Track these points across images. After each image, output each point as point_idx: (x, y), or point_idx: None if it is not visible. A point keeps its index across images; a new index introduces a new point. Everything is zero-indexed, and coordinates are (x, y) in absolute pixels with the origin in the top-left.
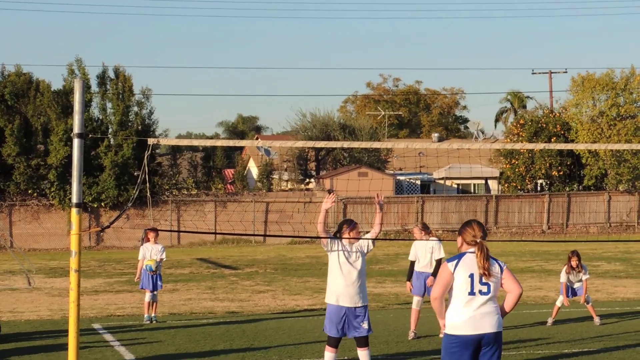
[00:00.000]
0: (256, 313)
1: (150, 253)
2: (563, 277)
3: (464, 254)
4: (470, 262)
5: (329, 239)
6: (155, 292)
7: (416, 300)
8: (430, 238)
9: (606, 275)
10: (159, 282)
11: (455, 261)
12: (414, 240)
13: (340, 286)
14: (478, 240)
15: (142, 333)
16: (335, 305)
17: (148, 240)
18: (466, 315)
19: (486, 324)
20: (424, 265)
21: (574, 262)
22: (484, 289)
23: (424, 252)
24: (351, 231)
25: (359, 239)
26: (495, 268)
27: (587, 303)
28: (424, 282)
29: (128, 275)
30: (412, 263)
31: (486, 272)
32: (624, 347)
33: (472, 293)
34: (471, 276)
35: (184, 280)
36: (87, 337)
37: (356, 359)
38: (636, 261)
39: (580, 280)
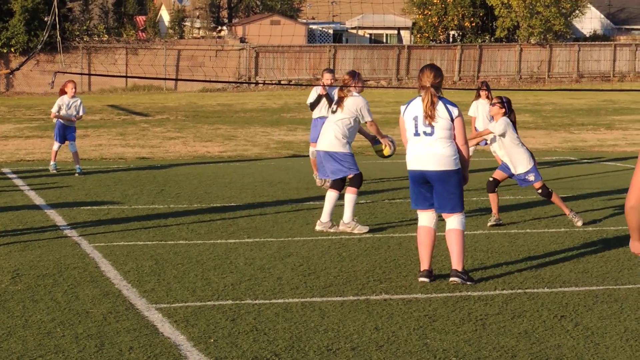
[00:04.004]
0: (167, 159)
1: (67, 107)
2: (472, 110)
3: (415, 98)
4: (416, 105)
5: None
6: (72, 142)
7: (312, 149)
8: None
9: None
10: (72, 134)
11: (406, 105)
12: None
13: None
14: (427, 85)
15: (52, 178)
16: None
17: (64, 92)
18: (413, 153)
19: (428, 162)
20: (320, 112)
21: (483, 94)
22: (428, 130)
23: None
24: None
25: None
26: (443, 113)
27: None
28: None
29: (38, 121)
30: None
31: (428, 116)
32: (531, 194)
33: (417, 134)
34: (415, 118)
35: (94, 126)
36: None
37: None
38: (545, 113)
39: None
